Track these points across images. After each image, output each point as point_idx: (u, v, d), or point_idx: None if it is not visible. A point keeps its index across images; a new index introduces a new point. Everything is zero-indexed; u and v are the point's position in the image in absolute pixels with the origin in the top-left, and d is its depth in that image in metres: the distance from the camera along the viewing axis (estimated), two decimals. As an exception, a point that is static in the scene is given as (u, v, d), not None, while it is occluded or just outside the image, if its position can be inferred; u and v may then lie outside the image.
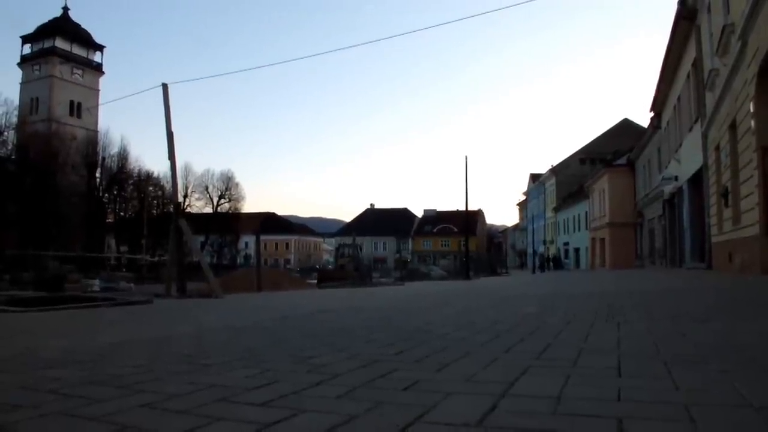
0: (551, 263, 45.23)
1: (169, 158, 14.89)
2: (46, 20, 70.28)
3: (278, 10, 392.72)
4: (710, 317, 4.45)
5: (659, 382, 1.95)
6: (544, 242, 67.75)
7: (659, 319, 4.23)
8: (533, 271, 46.10)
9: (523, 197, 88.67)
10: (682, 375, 2.05)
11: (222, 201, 74.16)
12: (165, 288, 14.22)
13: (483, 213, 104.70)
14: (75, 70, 69.65)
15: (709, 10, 17.67)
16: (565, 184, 62.34)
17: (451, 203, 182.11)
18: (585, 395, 1.79)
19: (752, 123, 12.19)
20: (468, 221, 40.40)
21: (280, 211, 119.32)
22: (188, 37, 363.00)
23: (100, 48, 74.01)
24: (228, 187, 74.46)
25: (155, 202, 66.31)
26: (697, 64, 19.99)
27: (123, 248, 62.13)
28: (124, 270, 44.10)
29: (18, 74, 69.07)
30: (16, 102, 58.80)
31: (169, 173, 16.62)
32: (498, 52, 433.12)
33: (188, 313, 7.05)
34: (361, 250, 53.70)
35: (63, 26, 69.35)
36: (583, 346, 2.93)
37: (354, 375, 2.26)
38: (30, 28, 70.84)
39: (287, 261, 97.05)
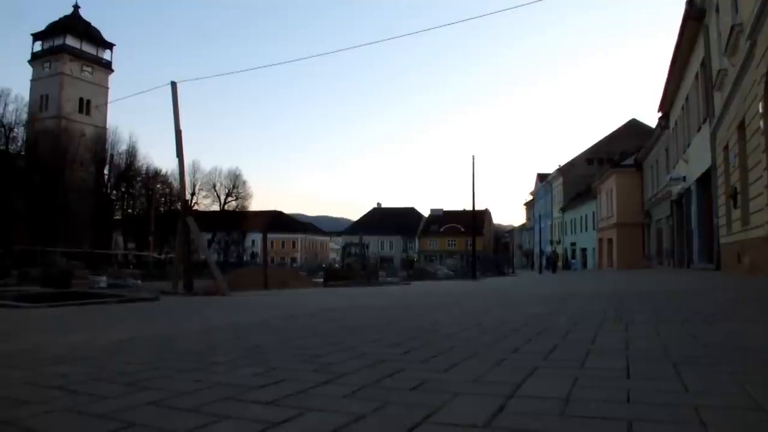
0: (550, 263, 44.41)
1: (178, 156, 14.90)
2: (56, 18, 70.70)
3: (286, 7, 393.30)
4: (719, 319, 4.42)
5: (669, 384, 1.93)
6: (551, 242, 67.58)
7: (668, 321, 4.20)
8: (540, 271, 45.95)
9: (530, 197, 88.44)
10: (692, 377, 2.03)
11: (229, 199, 74.29)
12: (172, 285, 14.24)
13: (490, 213, 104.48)
14: (85, 68, 69.88)
15: (717, 10, 17.58)
16: (573, 184, 62.18)
17: (458, 203, 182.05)
18: (593, 397, 1.78)
19: (761, 123, 12.12)
20: (475, 221, 40.24)
21: (287, 210, 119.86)
22: (197, 36, 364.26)
23: (109, 46, 74.22)
24: (235, 185, 74.61)
25: (163, 199, 66.50)
26: (705, 63, 19.90)
27: (130, 245, 62.21)
28: (131, 267, 44.08)
29: (28, 71, 69.45)
30: (27, 99, 59.17)
31: (177, 171, 16.70)
32: (505, 51, 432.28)
33: (195, 311, 7.06)
34: (367, 249, 53.66)
35: (73, 24, 69.54)
36: (591, 347, 2.91)
37: (361, 374, 2.25)
38: (41, 26, 71.20)
39: (294, 259, 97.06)
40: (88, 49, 70.95)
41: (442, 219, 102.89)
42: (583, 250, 59.92)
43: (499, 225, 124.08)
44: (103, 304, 8.42)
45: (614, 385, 1.96)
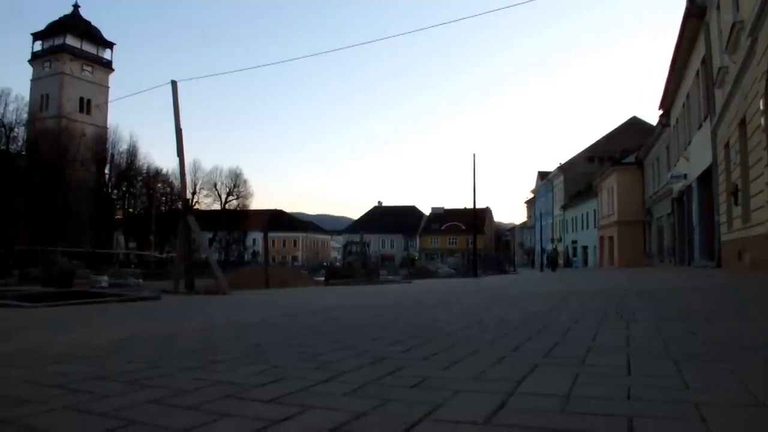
0: (551, 261, 44.03)
1: (178, 155, 14.92)
2: (56, 17, 70.64)
3: (286, 7, 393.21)
4: (720, 316, 4.42)
5: (669, 381, 1.93)
6: (552, 240, 67.57)
7: (668, 318, 4.20)
8: (541, 269, 45.92)
9: (531, 195, 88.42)
10: (693, 374, 2.03)
11: (230, 198, 74.28)
12: (173, 284, 14.25)
13: (491, 211, 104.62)
14: (85, 67, 69.83)
15: (718, 8, 17.55)
16: (574, 182, 62.17)
17: (459, 201, 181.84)
18: (594, 394, 1.78)
19: (762, 120, 12.11)
20: (476, 219, 40.28)
21: (288, 209, 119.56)
22: (197, 35, 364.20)
23: (110, 45, 74.17)
24: (236, 184, 74.61)
25: (164, 198, 66.56)
26: (706, 61, 19.88)
27: (131, 245, 62.26)
28: (132, 266, 44.07)
29: (29, 71, 69.40)
30: (27, 99, 59.16)
31: (177, 170, 16.66)
32: (506, 50, 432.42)
33: (196, 310, 7.07)
34: (368, 247, 53.67)
35: (73, 23, 69.46)
36: (592, 344, 2.91)
37: (361, 372, 2.25)
38: (41, 26, 71.15)
39: (295, 258, 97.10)
40: (89, 48, 70.91)
41: (443, 217, 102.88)
42: (584, 248, 59.93)
43: (500, 223, 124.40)
44: (104, 304, 8.43)
45: (615, 382, 1.96)
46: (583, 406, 1.62)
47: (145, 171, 65.52)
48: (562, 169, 65.07)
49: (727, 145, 16.78)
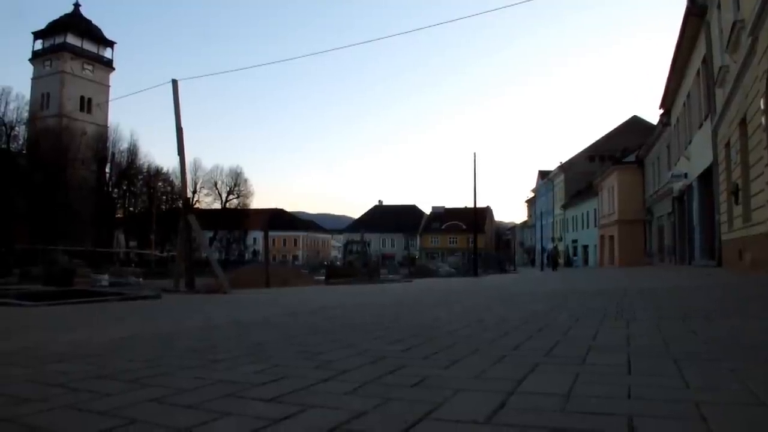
0: (551, 260, 43.76)
1: (179, 154, 14.90)
2: (57, 16, 70.62)
3: (286, 6, 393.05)
4: (721, 315, 4.41)
5: (669, 380, 1.93)
6: (553, 239, 67.51)
7: (669, 317, 4.20)
8: (541, 269, 45.89)
9: (532, 194, 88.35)
10: (693, 373, 2.03)
11: (231, 197, 74.36)
12: (173, 283, 14.23)
13: (491, 210, 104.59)
14: (86, 66, 69.80)
15: (719, 7, 17.53)
16: (574, 181, 62.09)
17: (460, 200, 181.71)
18: (594, 393, 1.78)
19: (763, 119, 12.10)
20: (476, 218, 40.25)
21: (289, 208, 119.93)
22: (198, 34, 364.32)
23: (110, 44, 74.13)
24: (237, 183, 74.68)
25: (164, 197, 66.58)
26: (707, 60, 19.85)
27: (132, 243, 62.34)
28: (133, 265, 43.99)
29: (29, 70, 69.40)
30: (28, 97, 59.13)
31: (178, 169, 16.68)
32: (506, 49, 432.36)
33: (196, 309, 7.07)
34: (369, 246, 53.64)
35: (74, 22, 69.41)
36: (592, 343, 2.91)
37: (362, 371, 2.25)
38: (41, 24, 71.15)
39: (295, 257, 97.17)
40: (89, 47, 70.87)
41: (444, 216, 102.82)
42: (585, 247, 59.87)
43: (501, 222, 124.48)
44: (105, 302, 8.43)
45: (615, 381, 1.96)
46: (583, 405, 1.62)
47: (145, 170, 65.64)
48: (563, 168, 65.00)
49: (727, 145, 16.76)
